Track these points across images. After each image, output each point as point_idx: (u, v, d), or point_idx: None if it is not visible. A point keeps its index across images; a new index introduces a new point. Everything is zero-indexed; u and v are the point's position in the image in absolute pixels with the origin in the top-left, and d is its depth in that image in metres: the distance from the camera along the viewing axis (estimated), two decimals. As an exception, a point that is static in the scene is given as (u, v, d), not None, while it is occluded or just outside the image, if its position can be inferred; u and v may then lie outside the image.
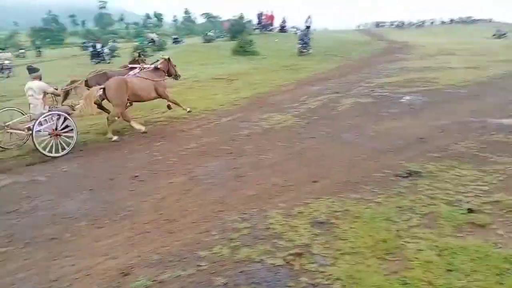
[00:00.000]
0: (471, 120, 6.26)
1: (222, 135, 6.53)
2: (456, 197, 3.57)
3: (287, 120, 7.28)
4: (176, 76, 8.13)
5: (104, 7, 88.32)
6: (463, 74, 11.05)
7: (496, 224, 3.10)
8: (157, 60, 7.97)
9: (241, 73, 14.44)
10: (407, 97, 8.33)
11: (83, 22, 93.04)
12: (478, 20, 68.63)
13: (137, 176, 4.84)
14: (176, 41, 37.55)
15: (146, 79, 7.17)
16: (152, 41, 31.64)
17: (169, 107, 7.74)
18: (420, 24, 62.83)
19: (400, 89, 9.33)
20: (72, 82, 7.22)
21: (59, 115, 5.98)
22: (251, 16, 35.72)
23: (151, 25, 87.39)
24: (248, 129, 6.80)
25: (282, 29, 30.74)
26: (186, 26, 75.77)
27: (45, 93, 6.08)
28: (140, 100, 7.31)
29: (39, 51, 35.79)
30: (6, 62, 19.08)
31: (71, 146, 5.99)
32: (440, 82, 9.86)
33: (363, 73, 12.85)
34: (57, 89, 6.45)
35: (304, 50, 19.67)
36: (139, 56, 9.02)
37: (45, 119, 5.82)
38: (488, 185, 3.80)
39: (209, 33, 38.61)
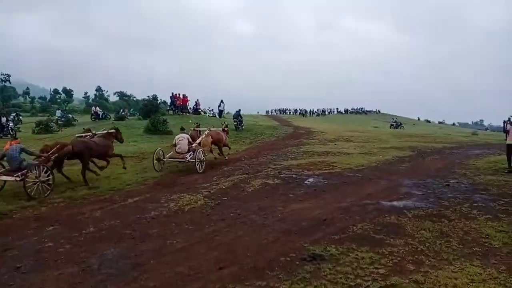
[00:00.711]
0: (367, 202, 6.81)
1: (126, 218, 6.12)
2: (356, 281, 3.70)
3: (198, 200, 7.16)
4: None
5: (8, 80, 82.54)
6: (358, 159, 12.29)
7: (392, 308, 3.24)
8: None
9: (152, 151, 14.17)
10: (311, 179, 8.88)
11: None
12: (369, 111, 79.28)
13: (19, 267, 4.18)
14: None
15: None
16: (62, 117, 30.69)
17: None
18: (321, 113, 70.02)
19: (304, 171, 9.94)
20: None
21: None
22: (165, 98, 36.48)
23: (60, 100, 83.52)
24: (155, 211, 6.49)
25: (196, 111, 31.79)
26: (99, 103, 73.70)
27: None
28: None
29: None
30: None
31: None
32: (339, 166, 10.78)
33: (272, 155, 13.56)
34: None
35: (239, 127, 22.90)
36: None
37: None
38: (385, 267, 4.02)
39: (121, 112, 38.17)
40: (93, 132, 10.83)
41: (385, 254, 4.39)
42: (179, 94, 30.54)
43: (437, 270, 3.97)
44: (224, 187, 8.32)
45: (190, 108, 31.50)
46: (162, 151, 11.20)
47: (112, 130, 10.67)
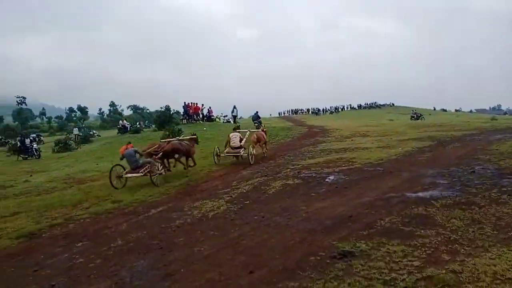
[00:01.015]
0: (392, 195, 6.68)
1: (151, 229, 6.14)
2: (391, 275, 3.61)
3: (220, 206, 7.14)
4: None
5: (24, 102, 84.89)
6: (377, 153, 12.11)
7: (432, 301, 3.15)
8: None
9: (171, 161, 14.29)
10: (331, 177, 8.77)
11: (1, 118, 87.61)
12: (382, 104, 78.37)
13: (53, 285, 4.24)
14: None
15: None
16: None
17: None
18: (334, 110, 69.54)
19: (324, 169, 9.84)
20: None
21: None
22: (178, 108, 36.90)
23: (75, 118, 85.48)
24: (179, 219, 6.50)
25: (209, 118, 32.00)
26: (114, 118, 75.21)
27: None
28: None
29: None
30: None
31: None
32: (358, 161, 10.63)
33: (289, 156, 13.48)
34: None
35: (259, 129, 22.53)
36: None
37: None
38: (419, 259, 3.92)
39: (137, 125, 38.82)
40: (177, 137, 13.51)
41: (418, 246, 4.28)
42: (191, 103, 30.81)
43: (473, 258, 3.85)
44: (245, 191, 8.30)
45: (204, 116, 31.76)
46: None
47: (194, 136, 13.47)
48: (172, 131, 20.84)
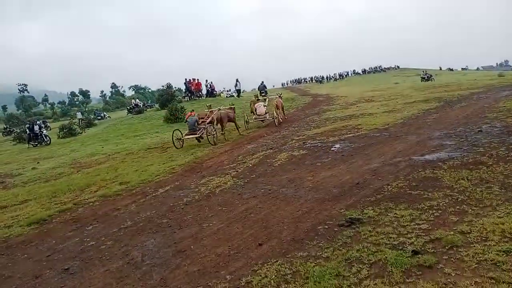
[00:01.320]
0: (399, 160, 6.63)
1: (160, 208, 6.20)
2: (399, 239, 3.62)
3: (227, 182, 7.17)
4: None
5: (26, 90, 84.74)
6: (383, 118, 11.98)
7: (442, 262, 3.15)
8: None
9: (175, 140, 14.32)
10: (337, 145, 8.72)
11: (4, 107, 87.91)
12: (387, 68, 77.06)
13: (67, 269, 4.32)
14: (99, 117, 37.66)
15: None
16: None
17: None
18: (338, 77, 68.56)
19: (329, 138, 9.78)
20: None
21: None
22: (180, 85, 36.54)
23: (78, 102, 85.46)
24: (187, 197, 6.55)
25: (211, 93, 31.72)
26: (116, 100, 75.16)
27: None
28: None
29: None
30: None
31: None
32: (364, 128, 10.54)
33: (294, 127, 13.41)
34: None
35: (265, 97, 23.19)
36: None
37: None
38: (426, 222, 3.92)
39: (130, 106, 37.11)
40: (218, 108, 15.21)
41: (425, 209, 4.26)
42: (193, 79, 30.52)
43: (481, 218, 3.83)
44: (251, 165, 8.30)
45: (207, 91, 31.51)
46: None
47: (233, 106, 16.23)
48: (175, 109, 20.74)
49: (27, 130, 21.82)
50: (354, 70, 76.84)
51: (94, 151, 15.21)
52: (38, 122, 22.66)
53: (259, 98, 17.44)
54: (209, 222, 5.10)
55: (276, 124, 14.72)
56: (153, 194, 7.23)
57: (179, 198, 6.61)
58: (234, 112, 15.38)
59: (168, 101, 25.97)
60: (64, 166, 12.39)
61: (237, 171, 7.93)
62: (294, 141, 10.27)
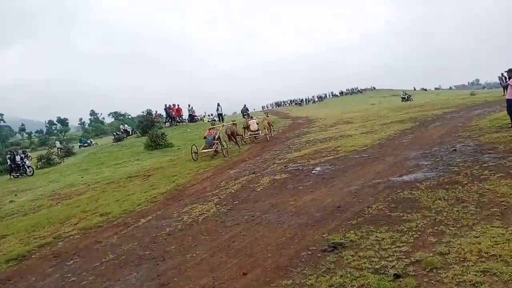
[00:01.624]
0: (378, 181, 6.78)
1: (142, 239, 6.10)
2: (381, 263, 3.68)
3: (209, 209, 7.13)
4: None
5: (2, 119, 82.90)
6: (361, 139, 12.26)
7: (423, 285, 3.21)
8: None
9: (157, 167, 14.22)
10: (318, 168, 8.85)
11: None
12: (364, 89, 79.09)
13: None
14: (85, 143, 37.03)
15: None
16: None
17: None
18: (317, 99, 69.86)
19: (310, 161, 9.91)
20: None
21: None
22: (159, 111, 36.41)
23: (56, 131, 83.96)
24: (169, 227, 6.47)
25: (192, 119, 31.79)
26: (95, 127, 74.25)
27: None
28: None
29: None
30: None
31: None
32: (343, 150, 10.75)
33: (275, 150, 13.53)
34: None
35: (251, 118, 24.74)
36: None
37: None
38: (407, 244, 4.00)
39: (117, 132, 38.08)
40: (222, 124, 18.54)
41: (405, 231, 4.36)
42: (173, 105, 30.57)
43: (459, 238, 3.95)
44: (233, 191, 8.30)
45: (185, 118, 31.58)
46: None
47: (234, 122, 18.57)
48: (156, 136, 20.61)
49: (8, 160, 21.13)
50: (332, 92, 78.53)
51: (73, 181, 14.88)
52: (19, 152, 22.00)
53: (248, 119, 19.49)
54: (193, 252, 5.05)
55: (268, 139, 16.77)
56: (135, 225, 7.11)
57: (161, 228, 6.52)
58: (236, 128, 17.18)
59: (148, 128, 25.83)
60: (43, 198, 12.06)
61: (219, 197, 7.92)
62: (275, 164, 10.36)
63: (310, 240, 4.64)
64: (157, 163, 15.36)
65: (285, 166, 9.78)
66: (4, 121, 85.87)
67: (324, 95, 75.68)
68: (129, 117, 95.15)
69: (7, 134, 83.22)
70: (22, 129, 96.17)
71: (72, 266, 5.49)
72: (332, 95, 77.39)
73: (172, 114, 30.31)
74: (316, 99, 71.13)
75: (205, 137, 15.17)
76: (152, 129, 23.16)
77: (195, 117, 32.55)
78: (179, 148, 19.40)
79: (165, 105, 30.65)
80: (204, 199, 8.01)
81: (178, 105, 31.05)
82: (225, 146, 14.46)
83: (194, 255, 4.95)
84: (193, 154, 14.15)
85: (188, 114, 31.98)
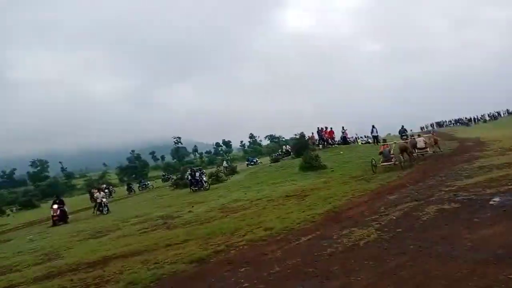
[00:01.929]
0: None
1: (305, 256, 6.41)
2: None
3: (370, 234, 7.02)
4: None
5: (180, 142, 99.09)
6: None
7: None
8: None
9: (312, 188, 14.66)
10: (497, 199, 7.73)
11: (162, 157, 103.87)
12: (554, 105, 64.94)
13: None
14: (251, 162, 41.47)
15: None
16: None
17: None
18: (488, 119, 60.70)
19: (486, 190, 8.74)
20: None
21: None
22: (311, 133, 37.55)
23: (222, 151, 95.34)
24: (330, 248, 6.62)
25: (345, 140, 31.70)
26: (253, 149, 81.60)
27: None
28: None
29: (145, 185, 40.45)
30: (104, 200, 21.21)
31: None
32: (530, 178, 9.11)
33: (440, 176, 12.35)
34: None
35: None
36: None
37: None
38: None
39: (278, 153, 41.13)
40: (394, 141, 18.89)
41: None
42: (325, 127, 31.13)
43: None
44: (394, 217, 7.96)
45: (337, 140, 31.73)
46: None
47: (407, 140, 19.86)
48: (310, 158, 21.32)
49: (189, 176, 25.19)
50: (507, 110, 66.84)
51: (238, 197, 16.61)
52: (196, 169, 26.01)
53: (409, 137, 20.93)
54: (357, 276, 5.07)
55: (438, 153, 18.53)
56: (296, 242, 7.51)
57: (322, 247, 6.72)
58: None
59: (302, 149, 26.89)
60: (215, 210, 13.84)
61: (380, 223, 7.70)
62: (443, 192, 9.48)
63: (493, 280, 4.13)
64: (312, 184, 15.87)
65: (454, 195, 8.86)
66: (181, 143, 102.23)
67: (497, 113, 65.09)
68: (283, 139, 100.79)
69: (183, 154, 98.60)
70: (195, 150, 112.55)
71: (244, 273, 6.14)
72: (508, 112, 65.87)
73: (325, 137, 30.84)
74: (487, 118, 61.75)
75: (381, 152, 16.73)
76: (306, 151, 24.05)
77: (348, 139, 32.34)
78: (332, 170, 19.60)
79: (318, 128, 31.46)
80: (364, 224, 7.90)
81: (330, 127, 31.49)
82: (402, 160, 15.77)
83: (359, 278, 4.96)
84: (373, 167, 15.66)
85: (341, 136, 32.05)
